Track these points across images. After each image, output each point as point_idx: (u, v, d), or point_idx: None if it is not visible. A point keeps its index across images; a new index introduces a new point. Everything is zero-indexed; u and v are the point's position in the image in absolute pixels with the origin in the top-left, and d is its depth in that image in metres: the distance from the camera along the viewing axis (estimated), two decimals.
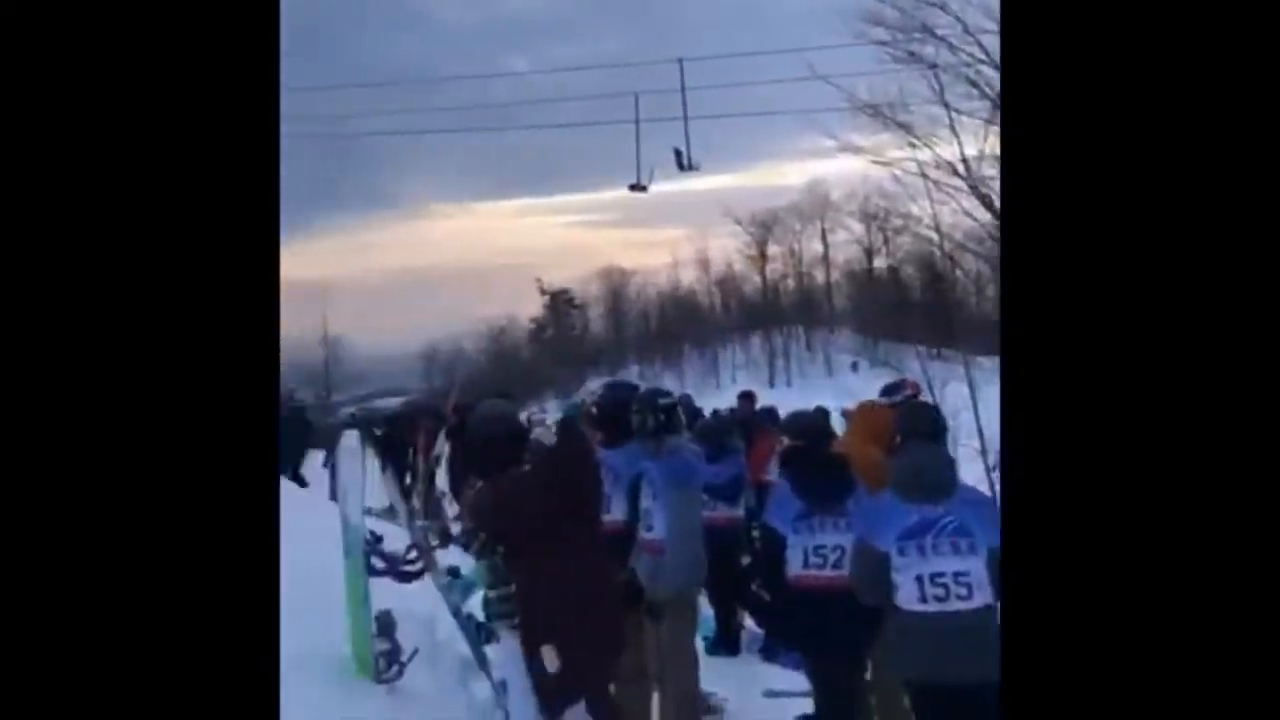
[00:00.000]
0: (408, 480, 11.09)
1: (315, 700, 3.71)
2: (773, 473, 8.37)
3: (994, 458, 11.74)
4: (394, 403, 19.65)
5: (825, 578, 4.28)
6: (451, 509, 10.05)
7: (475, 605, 4.53)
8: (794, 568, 4.40)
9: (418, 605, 4.74)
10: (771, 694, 5.80)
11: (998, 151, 11.65)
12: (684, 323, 60.45)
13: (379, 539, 4.61)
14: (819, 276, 63.27)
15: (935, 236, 20.08)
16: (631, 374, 44.47)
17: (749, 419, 9.79)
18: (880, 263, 59.94)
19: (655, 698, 4.88)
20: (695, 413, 9.41)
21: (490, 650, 4.28)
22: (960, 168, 17.77)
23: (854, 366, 51.84)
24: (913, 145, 18.23)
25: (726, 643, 6.86)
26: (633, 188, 16.58)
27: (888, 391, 6.76)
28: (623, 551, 4.95)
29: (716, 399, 18.24)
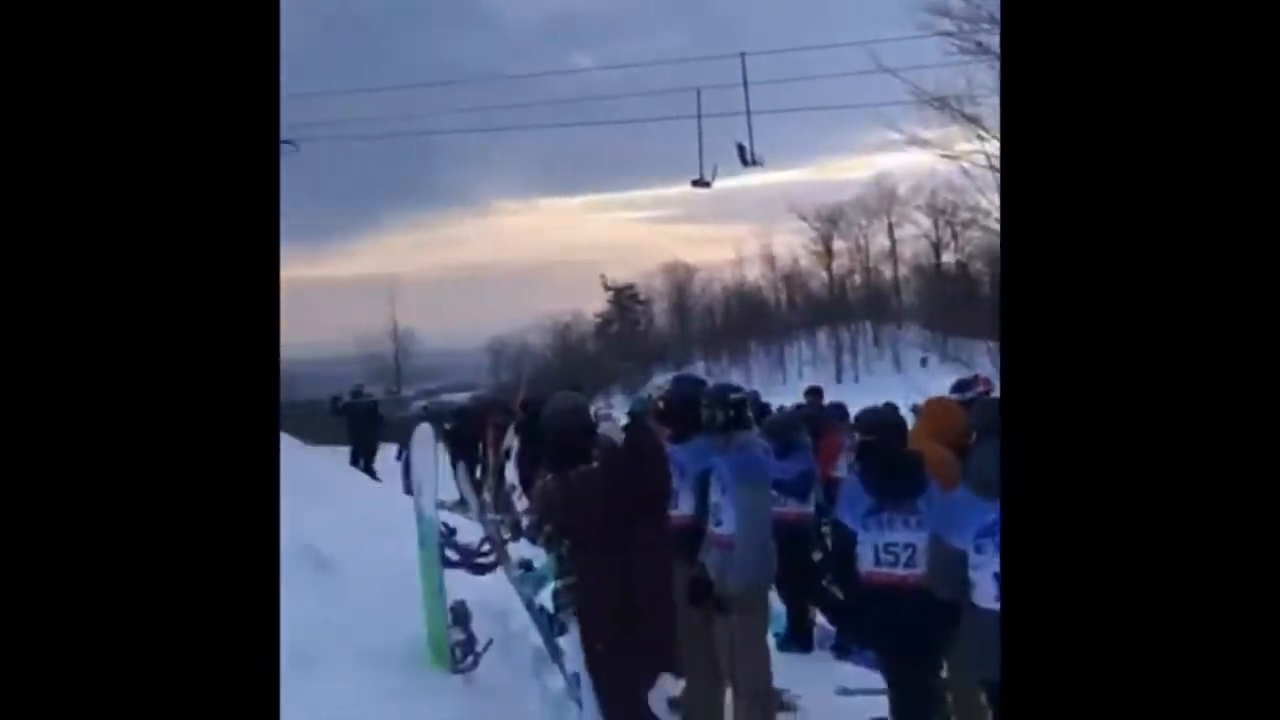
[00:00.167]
0: (478, 474, 11.22)
1: (393, 690, 3.79)
2: (842, 468, 8.32)
3: None
4: (463, 397, 19.90)
5: (897, 576, 4.25)
6: (521, 503, 10.15)
7: (547, 598, 4.57)
8: (865, 565, 4.37)
9: (491, 597, 4.79)
10: (845, 692, 5.76)
11: None
12: (750, 319, 60.12)
13: (453, 531, 4.67)
14: (886, 272, 62.52)
15: None
16: (698, 370, 44.36)
17: (817, 415, 9.74)
18: (949, 257, 58.96)
19: (728, 694, 4.89)
20: (763, 408, 9.38)
21: (563, 642, 4.32)
22: None
23: (923, 362, 51.18)
24: (981, 138, 17.97)
25: (799, 639, 6.84)
26: (696, 183, 16.52)
27: (959, 388, 6.69)
28: (691, 547, 4.96)
29: (783, 395, 18.14)
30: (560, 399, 4.42)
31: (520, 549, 5.04)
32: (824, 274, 62.29)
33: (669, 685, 3.95)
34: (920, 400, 6.28)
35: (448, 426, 12.02)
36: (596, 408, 6.41)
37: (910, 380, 34.83)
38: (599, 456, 4.14)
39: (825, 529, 8.01)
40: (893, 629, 4.25)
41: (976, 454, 3.89)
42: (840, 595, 6.44)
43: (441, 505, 4.64)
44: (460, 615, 4.21)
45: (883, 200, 59.16)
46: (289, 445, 7.76)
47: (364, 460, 13.85)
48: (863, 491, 4.44)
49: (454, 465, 8.93)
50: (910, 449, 4.56)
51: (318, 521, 5.28)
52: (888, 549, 4.30)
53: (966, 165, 18.54)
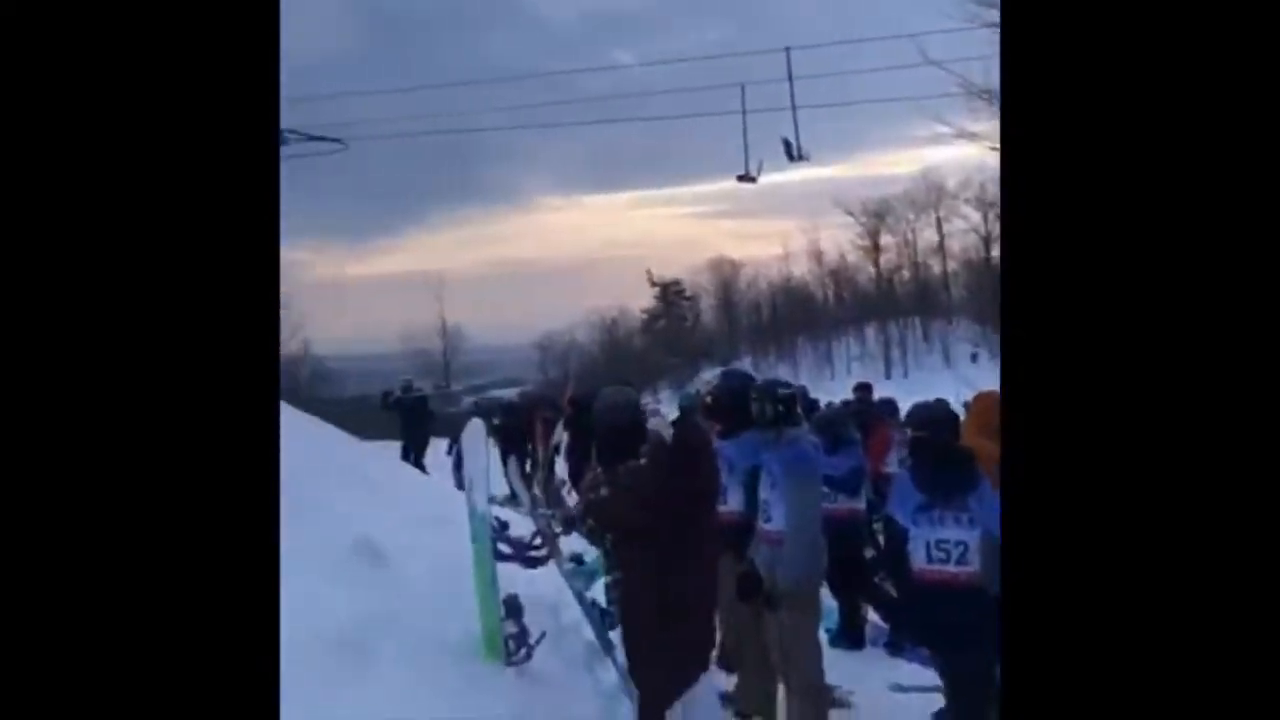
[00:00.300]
0: (527, 469, 11.30)
1: (448, 682, 3.83)
2: (892, 464, 8.28)
3: None
4: (511, 393, 20.03)
5: (949, 573, 4.22)
6: (571, 498, 10.20)
7: (599, 591, 4.60)
8: (917, 562, 4.35)
9: (543, 591, 4.83)
10: (899, 689, 5.73)
11: None
12: (797, 314, 59.81)
13: (505, 526, 4.71)
14: (935, 266, 61.84)
15: None
16: (745, 365, 44.23)
17: (866, 410, 9.69)
18: (998, 251, 58.20)
19: (781, 690, 4.89)
20: (811, 404, 9.35)
21: (615, 636, 4.34)
22: None
23: (973, 357, 50.60)
24: None
25: (851, 636, 6.81)
26: (741, 179, 16.44)
27: None
28: (740, 542, 4.97)
29: (831, 391, 18.05)
30: (611, 394, 4.43)
31: (571, 543, 5.06)
32: (872, 269, 61.79)
33: (721, 680, 3.96)
34: (970, 395, 6.23)
35: (496, 422, 12.10)
36: (644, 403, 6.43)
37: (961, 375, 34.48)
38: (647, 452, 4.15)
39: (876, 525, 7.98)
40: (946, 626, 4.22)
41: None
42: (893, 592, 6.41)
43: (492, 500, 4.68)
44: (513, 608, 4.25)
45: (931, 194, 58.56)
46: (342, 440, 7.88)
47: (414, 455, 14.00)
48: (914, 488, 4.42)
49: (504, 460, 9.00)
50: (961, 445, 4.53)
51: (371, 515, 5.35)
52: (939, 546, 4.27)
53: None
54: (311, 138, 16.93)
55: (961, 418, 5.32)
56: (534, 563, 4.69)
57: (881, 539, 8.00)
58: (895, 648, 6.59)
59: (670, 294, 61.61)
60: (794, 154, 15.78)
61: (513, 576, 4.51)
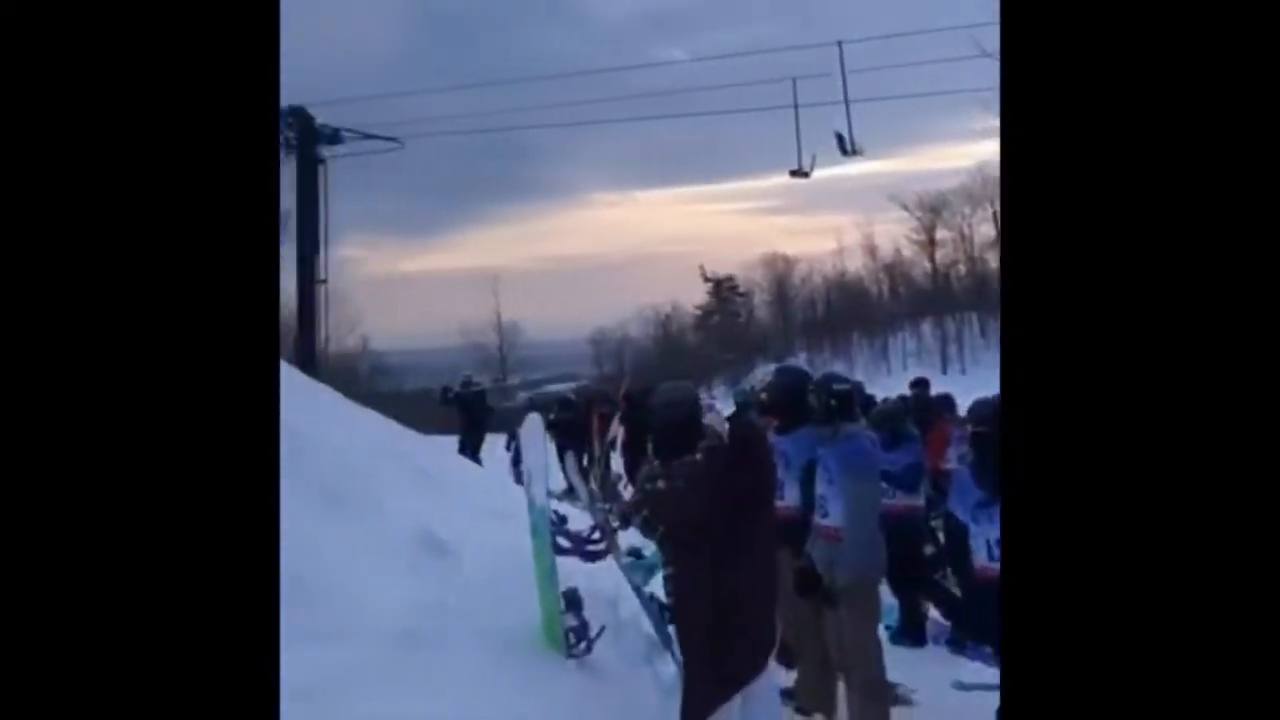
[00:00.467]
0: (584, 463, 11.35)
1: (509, 673, 3.88)
2: (951, 460, 8.20)
3: None
4: (566, 387, 20.13)
5: None
6: (627, 492, 10.24)
7: (658, 585, 4.62)
8: (978, 559, 4.31)
9: (602, 584, 4.87)
10: (961, 686, 5.67)
11: None
12: (851, 309, 59.31)
13: (564, 519, 4.76)
14: (991, 261, 60.85)
15: None
16: (800, 361, 44.00)
17: (924, 406, 9.61)
18: None
19: (842, 686, 4.88)
20: (867, 400, 9.29)
21: (674, 630, 4.36)
22: None
23: None
24: None
25: (911, 633, 6.76)
26: (794, 173, 16.33)
27: None
28: (797, 538, 4.96)
29: (887, 387, 17.91)
30: (669, 389, 4.45)
31: (629, 537, 5.09)
32: (927, 264, 61.03)
33: (781, 676, 3.96)
34: None
35: (552, 417, 12.18)
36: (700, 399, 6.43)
37: None
38: (704, 447, 4.16)
39: (935, 522, 7.91)
40: None
41: None
42: (953, 589, 6.36)
43: (550, 495, 4.73)
44: (573, 601, 4.28)
45: (987, 188, 57.58)
46: (404, 435, 7.99)
47: (471, 448, 14.15)
48: (974, 484, 4.37)
49: (561, 455, 9.07)
50: None
51: (431, 508, 5.43)
52: (999, 543, 4.23)
53: None
54: (367, 136, 17.14)
55: None
56: (593, 556, 4.72)
57: (941, 536, 7.96)
58: (957, 645, 6.53)
59: (724, 290, 61.39)
60: (847, 148, 15.64)
61: (571, 570, 4.55)
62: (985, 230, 60.14)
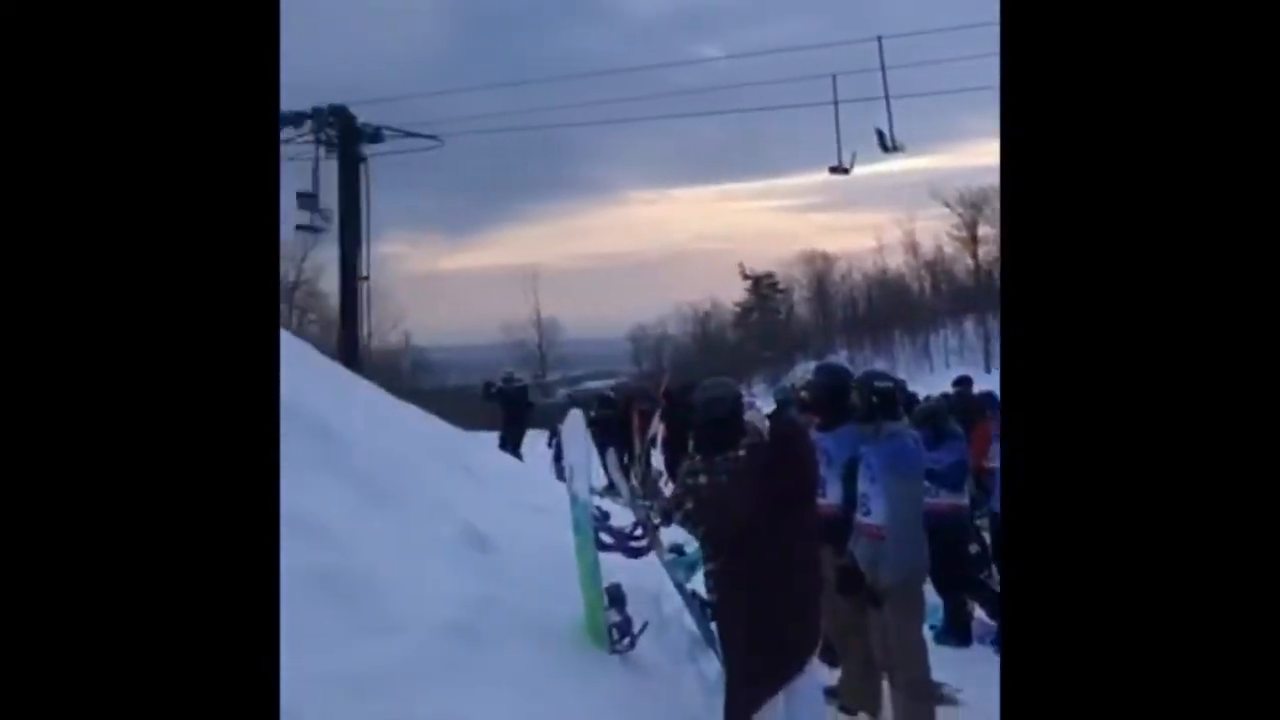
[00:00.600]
0: (624, 460, 11.37)
1: (553, 667, 3.91)
2: (995, 459, 8.12)
3: None
4: (605, 384, 20.18)
5: None
6: (667, 489, 10.25)
7: (700, 582, 4.63)
8: None
9: (644, 581, 4.87)
10: None
11: None
12: (893, 307, 58.83)
13: (606, 515, 4.77)
14: None
15: None
16: (840, 359, 43.78)
17: (967, 404, 9.52)
18: None
19: (886, 685, 4.86)
20: (910, 398, 9.22)
21: (716, 628, 4.37)
22: None
23: None
24: None
25: (956, 633, 6.71)
26: (834, 170, 16.26)
27: None
28: (840, 537, 4.95)
29: (930, 384, 17.75)
30: (711, 385, 4.45)
31: (672, 534, 5.10)
32: (969, 260, 60.33)
33: (824, 674, 3.95)
34: None
35: (593, 414, 12.21)
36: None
37: None
38: (746, 444, 4.16)
39: (980, 521, 7.84)
40: None
41: None
42: (998, 588, 6.30)
43: (591, 491, 4.75)
44: (616, 597, 4.30)
45: None
46: (447, 430, 8.06)
47: (512, 444, 14.24)
48: None
49: (601, 452, 9.10)
50: None
51: (476, 503, 5.47)
52: None
53: None
54: (408, 134, 17.28)
55: None
56: (635, 553, 4.74)
57: (985, 535, 7.88)
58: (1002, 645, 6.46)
59: (763, 287, 61.12)
60: (888, 144, 15.55)
61: (613, 566, 4.57)
62: None
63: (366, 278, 16.97)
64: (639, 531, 4.80)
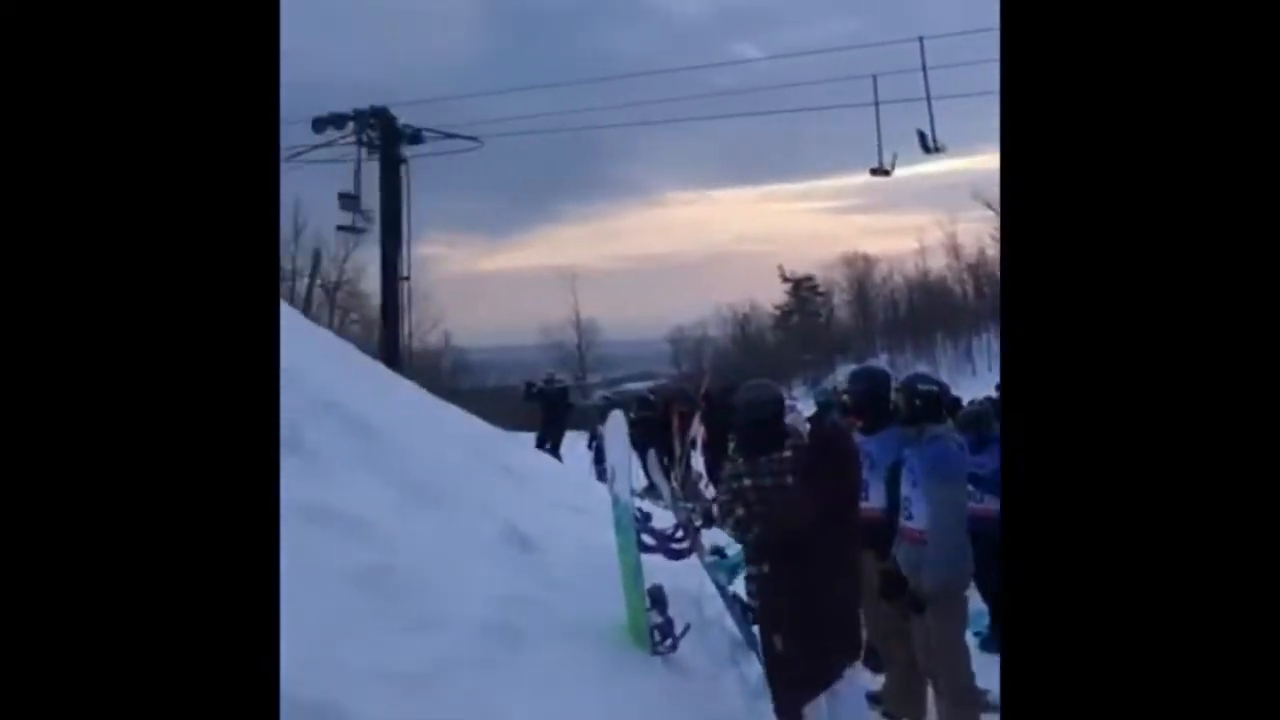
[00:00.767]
0: (664, 462, 11.38)
1: (595, 667, 3.91)
2: None
3: None
4: (645, 386, 20.20)
5: None
6: (709, 491, 10.23)
7: (741, 585, 4.62)
8: None
9: (685, 582, 4.87)
10: None
11: None
12: (934, 310, 58.29)
13: (648, 517, 4.77)
14: None
15: None
16: (881, 362, 43.47)
17: None
18: None
19: (930, 691, 4.82)
20: (954, 402, 9.13)
21: (759, 631, 4.35)
22: None
23: None
24: None
25: (1000, 640, 6.62)
26: (875, 171, 16.16)
27: None
28: (883, 541, 4.91)
29: (973, 388, 17.59)
30: (753, 388, 4.44)
31: (712, 536, 5.10)
32: None
33: (867, 680, 3.92)
34: None
35: (632, 415, 12.22)
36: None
37: None
38: (791, 445, 4.15)
39: None
40: None
41: None
42: None
43: (632, 493, 4.75)
44: (658, 599, 4.29)
45: None
46: (489, 431, 8.10)
47: (552, 444, 14.30)
48: None
49: (641, 453, 9.10)
50: None
51: (517, 503, 5.50)
52: None
53: None
54: (448, 135, 17.39)
55: None
56: (677, 554, 4.73)
57: None
58: None
59: (803, 289, 60.76)
60: (929, 146, 15.42)
61: (654, 568, 4.57)
62: None
63: (407, 278, 17.10)
64: (680, 533, 4.80)
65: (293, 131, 17.15)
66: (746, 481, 4.10)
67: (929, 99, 15.36)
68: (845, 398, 6.59)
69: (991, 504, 6.65)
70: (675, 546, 4.74)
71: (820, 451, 4.09)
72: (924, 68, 15.48)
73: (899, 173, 16.14)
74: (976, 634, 6.08)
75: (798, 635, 3.78)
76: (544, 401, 15.10)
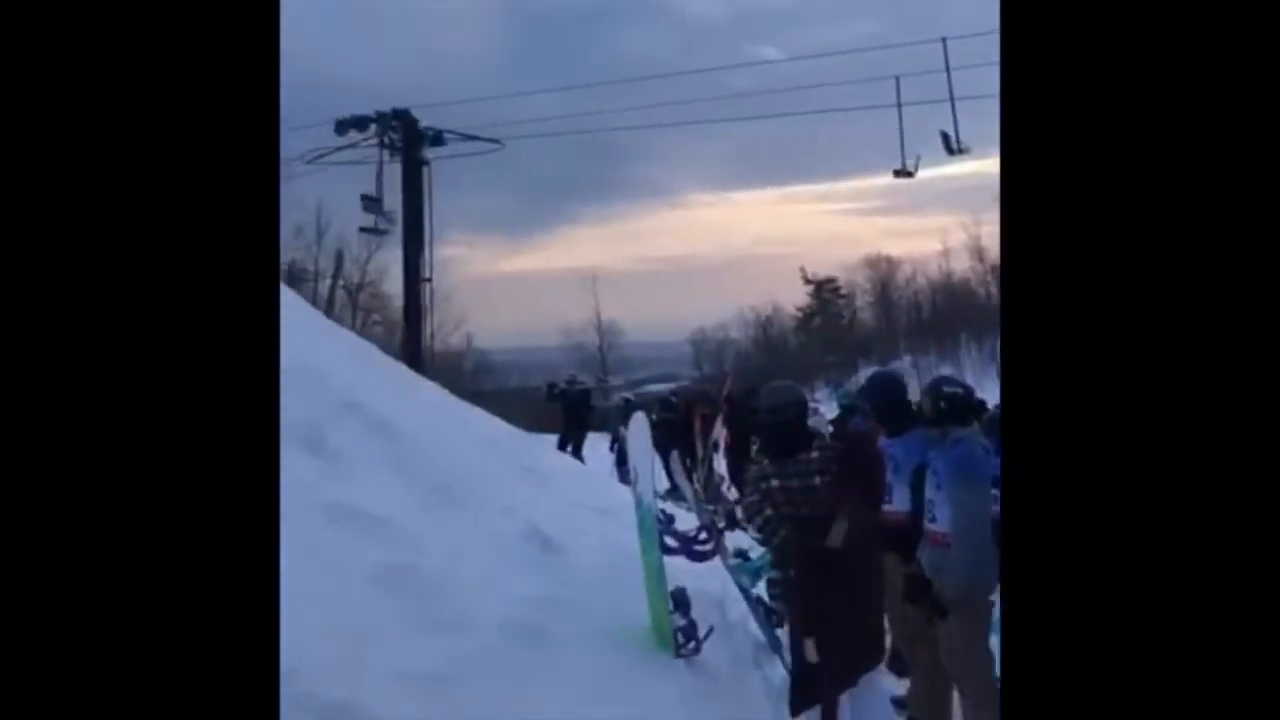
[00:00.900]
0: (686, 464, 11.37)
1: (619, 668, 3.90)
2: None
3: None
4: (666, 388, 20.19)
5: None
6: (731, 494, 10.21)
7: (764, 588, 4.60)
8: None
9: (708, 585, 4.86)
10: None
11: None
12: (958, 312, 57.99)
13: (671, 519, 4.77)
14: None
15: None
16: (904, 364, 43.26)
17: None
18: None
19: (956, 695, 4.78)
20: (979, 404, 9.06)
21: (783, 636, 4.34)
22: None
23: None
24: None
25: None
26: (898, 173, 16.12)
27: None
28: (907, 544, 4.89)
29: (997, 390, 17.48)
30: (778, 389, 4.42)
31: (736, 538, 5.09)
32: None
33: (892, 684, 3.90)
34: None
35: (654, 417, 12.21)
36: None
37: None
38: (818, 446, 4.14)
39: None
40: None
41: None
42: None
43: (655, 494, 4.75)
44: (681, 601, 4.28)
45: None
46: (512, 433, 8.11)
47: (574, 446, 14.32)
48: None
49: (664, 455, 9.10)
50: None
51: (539, 504, 5.50)
52: None
53: None
54: (469, 137, 17.45)
55: None
56: (700, 556, 4.72)
57: None
58: None
59: (825, 291, 60.51)
60: (953, 147, 15.37)
61: (676, 570, 4.56)
62: None
63: (429, 280, 17.16)
64: (704, 535, 4.78)
65: (315, 134, 17.32)
66: (774, 483, 4.09)
67: (952, 100, 15.30)
68: (866, 405, 6.54)
69: None
70: (698, 549, 4.72)
71: (845, 455, 4.07)
72: (947, 68, 15.43)
73: (922, 174, 16.09)
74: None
75: (828, 638, 3.76)
76: (566, 403, 15.12)
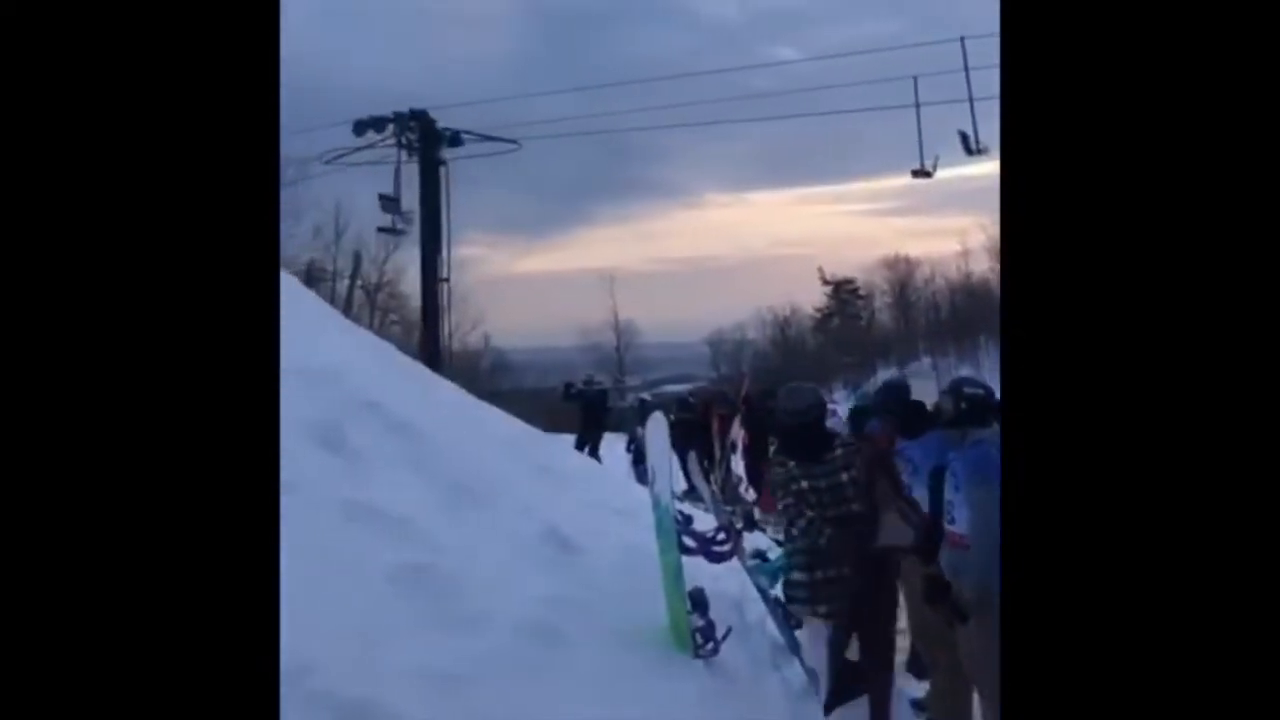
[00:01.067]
0: (704, 464, 11.37)
1: (637, 669, 3.90)
2: None
3: None
4: (684, 388, 20.19)
5: None
6: (748, 495, 10.20)
7: (781, 590, 4.59)
8: None
9: (726, 586, 4.86)
10: None
11: None
12: (977, 312, 57.71)
13: (689, 519, 4.76)
14: None
15: None
16: (923, 366, 43.11)
17: None
18: None
19: (976, 697, 4.77)
20: (999, 406, 9.02)
21: (802, 637, 4.33)
22: None
23: None
24: None
25: None
26: (917, 174, 16.12)
27: None
28: (926, 545, 4.87)
29: None
30: (795, 391, 4.42)
31: (753, 539, 5.08)
32: None
33: (912, 686, 3.90)
34: None
35: (672, 418, 12.21)
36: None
37: None
38: (840, 444, 4.14)
39: None
40: None
41: None
42: None
43: (672, 494, 4.74)
44: (699, 602, 4.28)
45: None
46: (529, 432, 8.12)
47: (591, 446, 14.33)
48: None
49: (681, 456, 9.09)
50: None
51: (557, 504, 5.50)
52: None
53: None
54: (486, 138, 17.49)
55: None
56: (718, 557, 4.71)
57: None
58: None
59: (843, 292, 60.28)
60: (972, 147, 15.35)
61: (694, 571, 4.55)
62: None
63: (447, 279, 17.22)
64: (722, 536, 4.78)
65: (334, 134, 17.42)
66: (804, 484, 4.09)
67: (971, 100, 15.28)
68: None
69: None
70: (716, 549, 4.72)
71: (861, 455, 4.08)
72: (966, 68, 15.39)
73: (940, 174, 16.08)
74: None
75: (880, 638, 3.78)
76: (583, 403, 15.15)
